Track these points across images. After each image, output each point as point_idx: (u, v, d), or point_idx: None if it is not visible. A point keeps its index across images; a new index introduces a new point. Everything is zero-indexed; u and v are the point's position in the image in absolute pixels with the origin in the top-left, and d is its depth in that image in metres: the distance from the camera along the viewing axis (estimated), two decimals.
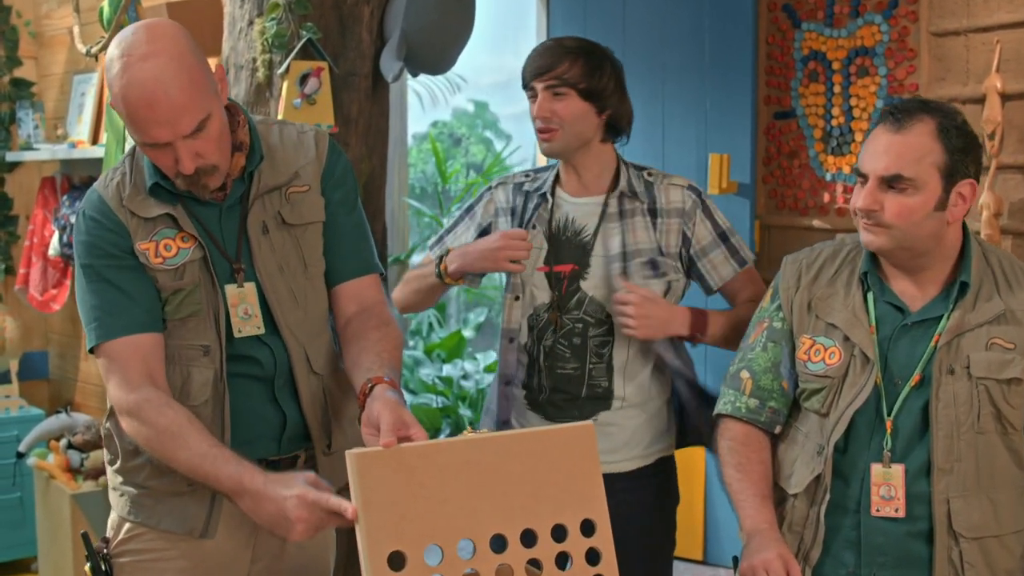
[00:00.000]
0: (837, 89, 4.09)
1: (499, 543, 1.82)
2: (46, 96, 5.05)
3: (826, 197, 4.15)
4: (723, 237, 2.67)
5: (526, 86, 2.64)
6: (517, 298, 2.69)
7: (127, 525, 2.19)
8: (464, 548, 1.80)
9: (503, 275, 2.79)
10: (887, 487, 2.13)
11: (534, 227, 2.68)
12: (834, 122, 4.11)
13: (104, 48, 3.40)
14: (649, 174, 2.68)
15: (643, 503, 2.68)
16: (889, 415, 2.15)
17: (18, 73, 5.00)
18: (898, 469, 2.13)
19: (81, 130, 4.65)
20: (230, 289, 2.12)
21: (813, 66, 4.16)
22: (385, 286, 2.38)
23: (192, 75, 1.97)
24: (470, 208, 2.82)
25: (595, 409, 2.64)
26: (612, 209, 2.63)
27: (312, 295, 2.22)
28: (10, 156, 4.92)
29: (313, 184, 2.21)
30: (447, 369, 6.92)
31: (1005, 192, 3.47)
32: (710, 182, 4.20)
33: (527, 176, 2.77)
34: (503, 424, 2.75)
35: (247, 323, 2.13)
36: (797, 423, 2.30)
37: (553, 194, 2.70)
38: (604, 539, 1.88)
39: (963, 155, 2.12)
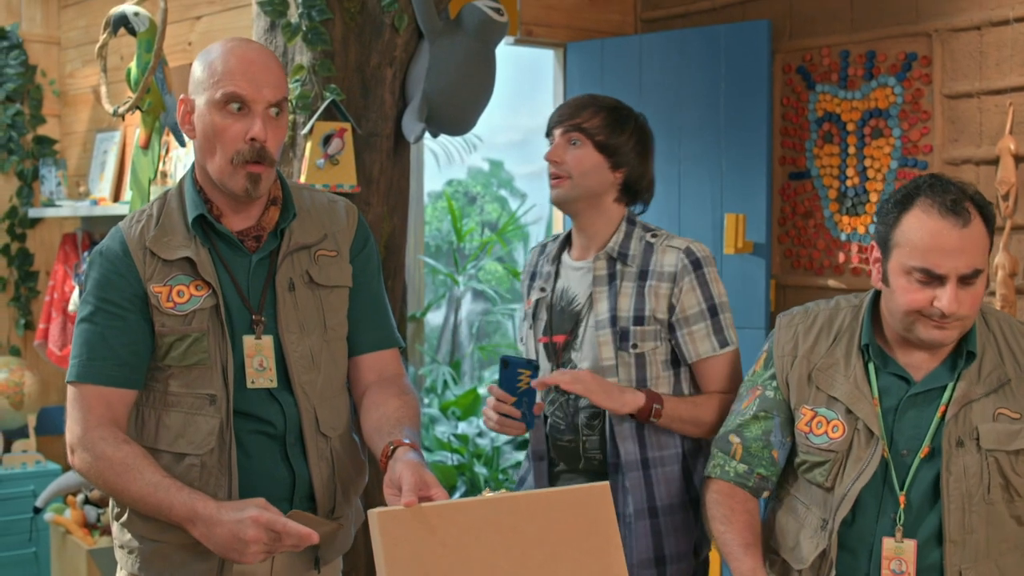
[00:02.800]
0: (852, 150, 4.12)
1: None
2: (68, 154, 5.11)
3: (841, 257, 4.17)
4: (712, 311, 2.51)
5: (548, 134, 2.64)
6: None
7: None
8: None
9: (520, 331, 2.77)
10: (898, 561, 2.13)
11: (542, 290, 2.67)
12: (849, 183, 4.15)
13: (132, 108, 3.46)
14: (654, 235, 2.57)
15: None
16: (902, 490, 2.15)
17: (41, 131, 5.07)
18: (910, 544, 2.13)
19: (103, 187, 4.71)
20: (248, 340, 2.14)
21: (828, 127, 4.20)
22: (404, 359, 2.39)
23: (282, 68, 2.19)
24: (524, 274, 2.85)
25: (594, 481, 2.47)
26: (600, 272, 2.56)
27: (328, 357, 2.23)
28: (32, 212, 4.98)
29: (342, 251, 2.25)
30: (462, 427, 6.91)
31: (1020, 252, 3.49)
32: (726, 242, 4.23)
33: (554, 239, 2.76)
34: None
35: (261, 375, 2.15)
36: (795, 492, 2.29)
37: (559, 259, 2.68)
38: None
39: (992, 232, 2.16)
